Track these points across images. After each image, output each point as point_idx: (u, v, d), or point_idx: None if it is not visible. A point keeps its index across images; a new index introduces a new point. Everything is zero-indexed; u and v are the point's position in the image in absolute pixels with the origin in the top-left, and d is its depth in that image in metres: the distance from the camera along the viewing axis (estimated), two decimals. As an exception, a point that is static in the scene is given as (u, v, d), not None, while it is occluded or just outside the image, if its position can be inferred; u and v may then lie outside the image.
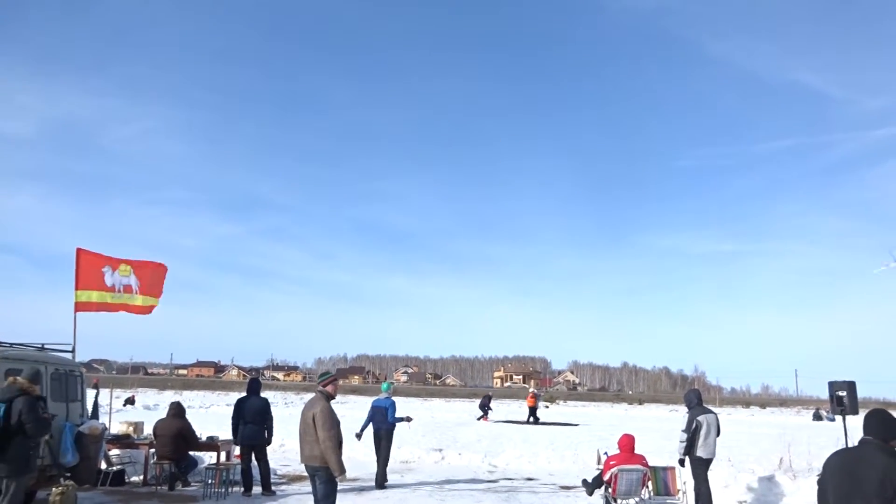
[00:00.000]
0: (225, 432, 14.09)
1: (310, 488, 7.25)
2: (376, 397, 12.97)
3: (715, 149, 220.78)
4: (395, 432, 12.83)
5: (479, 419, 34.90)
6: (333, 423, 6.81)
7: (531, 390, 39.79)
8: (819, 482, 4.34)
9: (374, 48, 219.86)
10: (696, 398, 10.24)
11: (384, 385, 13.31)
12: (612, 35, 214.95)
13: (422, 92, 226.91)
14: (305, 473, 7.00)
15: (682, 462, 9.90)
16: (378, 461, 12.28)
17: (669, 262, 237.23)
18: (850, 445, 4.47)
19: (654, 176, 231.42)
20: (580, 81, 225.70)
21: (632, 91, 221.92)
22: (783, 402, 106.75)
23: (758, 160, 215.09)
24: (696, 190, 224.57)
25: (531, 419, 33.78)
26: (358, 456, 16.25)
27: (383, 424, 12.45)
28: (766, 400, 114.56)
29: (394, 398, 12.99)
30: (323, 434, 6.69)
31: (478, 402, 37.72)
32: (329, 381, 7.18)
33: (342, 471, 6.78)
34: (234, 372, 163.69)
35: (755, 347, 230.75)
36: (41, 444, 7.78)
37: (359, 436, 12.54)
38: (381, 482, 11.99)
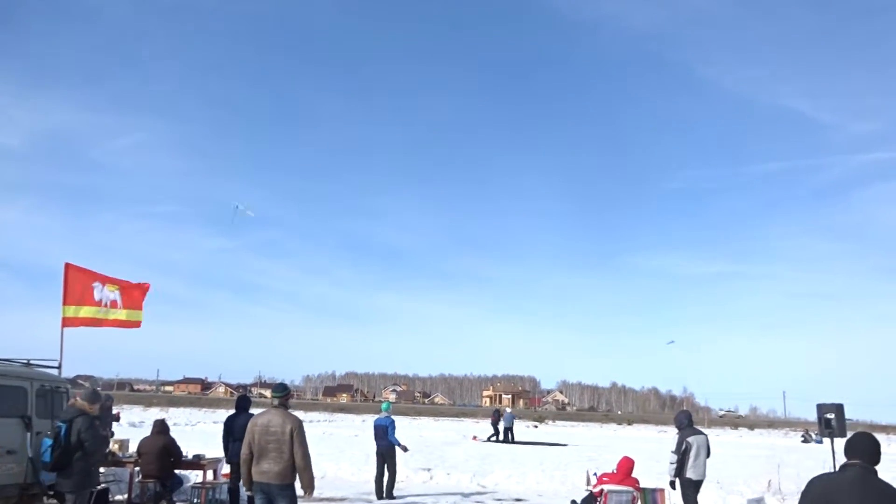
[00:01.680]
0: (211, 450, 13.95)
1: None
2: (377, 416, 13.45)
3: (705, 171, 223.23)
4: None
5: (492, 438, 34.20)
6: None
7: (504, 409, 40.16)
8: None
9: (368, 63, 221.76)
10: (687, 419, 10.24)
11: (384, 405, 13.95)
12: (606, 57, 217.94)
13: (415, 108, 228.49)
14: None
15: (672, 484, 9.88)
16: (378, 477, 12.97)
17: (659, 283, 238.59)
18: (831, 470, 4.21)
19: (645, 196, 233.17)
20: (573, 101, 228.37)
21: (624, 112, 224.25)
22: (771, 423, 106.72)
23: (748, 183, 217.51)
24: (686, 211, 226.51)
25: (505, 437, 33.97)
26: (346, 475, 16.13)
27: (384, 442, 12.94)
28: (754, 421, 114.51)
29: (392, 417, 13.43)
30: (303, 450, 6.59)
31: (467, 421, 37.39)
32: (290, 394, 7.17)
33: (314, 487, 6.75)
34: (222, 389, 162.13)
35: (744, 369, 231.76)
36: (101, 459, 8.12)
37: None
38: (388, 494, 12.79)
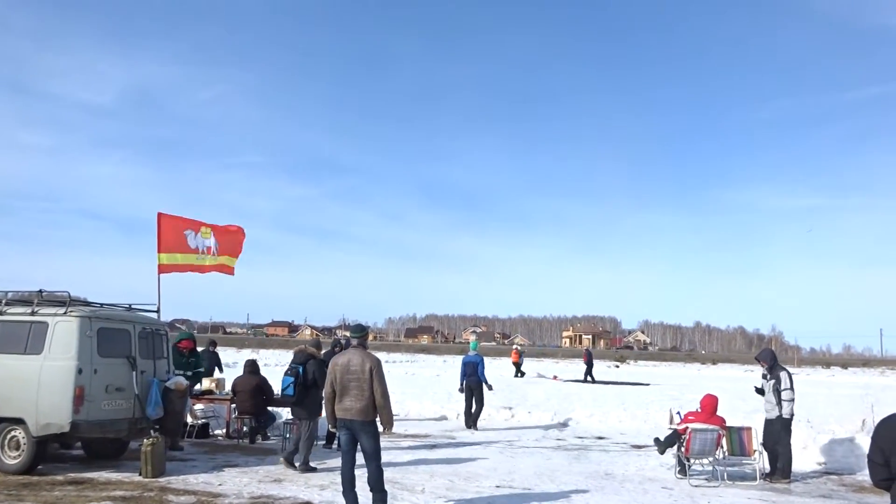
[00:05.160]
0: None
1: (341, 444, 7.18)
2: (466, 354, 14.85)
3: (798, 99, 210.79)
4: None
5: (586, 380, 33.52)
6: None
7: (515, 346, 40.96)
8: (872, 451, 3.79)
9: (442, 3, 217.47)
10: (775, 356, 9.96)
11: (472, 344, 15.64)
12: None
13: (488, 48, 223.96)
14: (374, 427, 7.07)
15: (790, 423, 9.43)
16: (467, 409, 14.28)
17: (746, 218, 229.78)
18: None
19: (733, 129, 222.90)
20: (653, 32, 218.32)
21: (708, 41, 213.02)
22: (866, 362, 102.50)
23: (843, 110, 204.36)
24: (777, 143, 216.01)
25: (518, 374, 34.93)
26: (429, 413, 16.57)
27: (473, 378, 14.27)
28: (847, 360, 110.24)
29: (482, 356, 14.90)
30: (382, 387, 6.75)
31: (547, 361, 37.48)
32: (368, 334, 7.37)
33: (392, 424, 6.97)
34: (308, 331, 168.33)
35: (837, 306, 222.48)
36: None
37: (461, 389, 14.59)
38: (474, 424, 14.12)
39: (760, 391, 9.89)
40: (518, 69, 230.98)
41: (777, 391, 9.47)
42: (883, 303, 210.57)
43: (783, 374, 9.53)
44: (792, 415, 9.46)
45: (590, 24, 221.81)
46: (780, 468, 9.35)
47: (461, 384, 14.53)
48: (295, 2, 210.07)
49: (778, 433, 9.44)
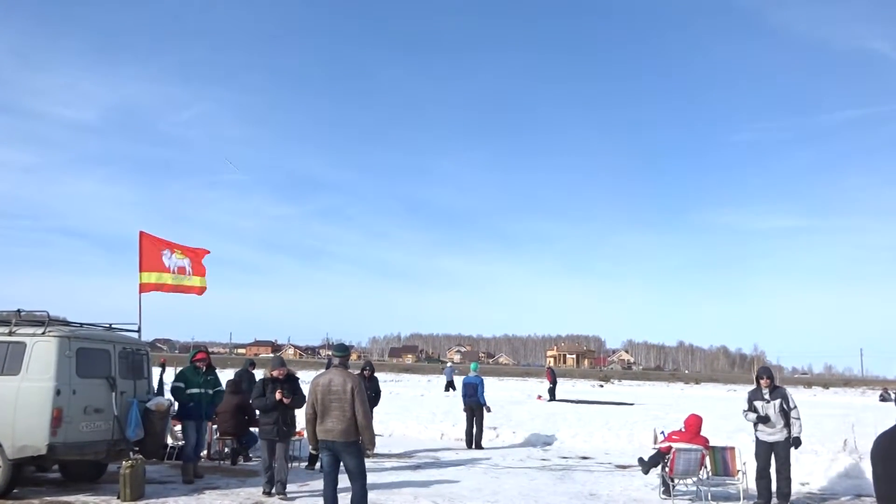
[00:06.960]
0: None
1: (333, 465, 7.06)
2: (467, 375, 15.14)
3: (777, 121, 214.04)
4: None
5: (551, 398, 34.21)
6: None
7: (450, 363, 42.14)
8: (873, 469, 3.84)
9: (421, 19, 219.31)
10: None
11: (473, 365, 15.88)
12: (670, 3, 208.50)
13: (470, 65, 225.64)
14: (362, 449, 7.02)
15: (798, 442, 9.16)
16: (468, 430, 14.42)
17: (729, 238, 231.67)
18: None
19: (714, 150, 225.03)
20: (634, 51, 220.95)
21: (689, 61, 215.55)
22: (847, 382, 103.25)
23: (823, 132, 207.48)
24: (757, 164, 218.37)
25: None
26: (413, 434, 16.46)
27: (473, 399, 14.42)
28: (829, 380, 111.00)
29: (482, 377, 15.11)
30: (364, 408, 6.72)
31: (531, 380, 37.43)
32: (350, 354, 7.34)
33: (375, 444, 6.96)
34: (291, 351, 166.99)
35: (818, 326, 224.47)
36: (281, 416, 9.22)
37: (465, 409, 14.70)
38: (478, 444, 14.24)
39: (764, 418, 9.11)
40: (501, 87, 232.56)
41: (785, 411, 9.08)
42: (863, 323, 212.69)
43: (788, 393, 9.25)
44: (799, 431, 9.11)
45: (573, 43, 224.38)
46: (787, 493, 8.95)
47: (464, 405, 14.64)
48: (277, 21, 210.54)
49: (784, 457, 9.03)
